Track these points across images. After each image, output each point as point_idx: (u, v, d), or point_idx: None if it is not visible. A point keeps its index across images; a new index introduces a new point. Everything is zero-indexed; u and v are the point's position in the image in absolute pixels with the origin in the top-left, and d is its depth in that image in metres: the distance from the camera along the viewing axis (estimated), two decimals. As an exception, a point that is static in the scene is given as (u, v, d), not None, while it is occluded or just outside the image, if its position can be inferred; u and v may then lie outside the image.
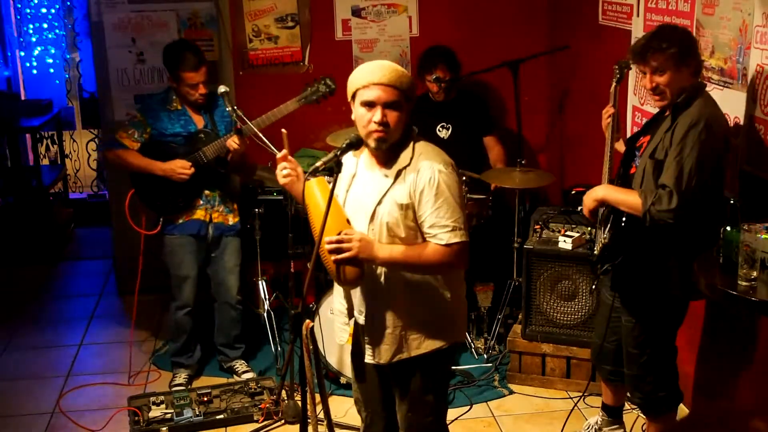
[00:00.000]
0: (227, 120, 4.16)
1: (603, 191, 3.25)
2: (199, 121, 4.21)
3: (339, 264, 2.66)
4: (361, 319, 2.88)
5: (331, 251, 2.64)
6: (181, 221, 4.23)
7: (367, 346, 2.87)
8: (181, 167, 4.09)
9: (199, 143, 4.14)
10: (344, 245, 2.63)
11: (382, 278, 2.80)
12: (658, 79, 3.09)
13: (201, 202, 4.23)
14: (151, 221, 4.24)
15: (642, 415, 3.60)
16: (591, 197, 3.29)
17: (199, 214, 4.24)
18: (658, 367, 3.37)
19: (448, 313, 2.89)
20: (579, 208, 3.74)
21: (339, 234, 2.65)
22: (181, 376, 4.39)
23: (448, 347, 2.90)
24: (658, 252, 3.15)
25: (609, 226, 3.25)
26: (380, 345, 2.84)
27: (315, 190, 2.77)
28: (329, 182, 2.73)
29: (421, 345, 2.84)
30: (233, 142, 4.01)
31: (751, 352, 3.41)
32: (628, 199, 3.12)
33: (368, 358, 2.88)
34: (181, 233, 4.23)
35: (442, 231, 2.69)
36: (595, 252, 3.33)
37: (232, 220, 4.32)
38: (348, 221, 2.75)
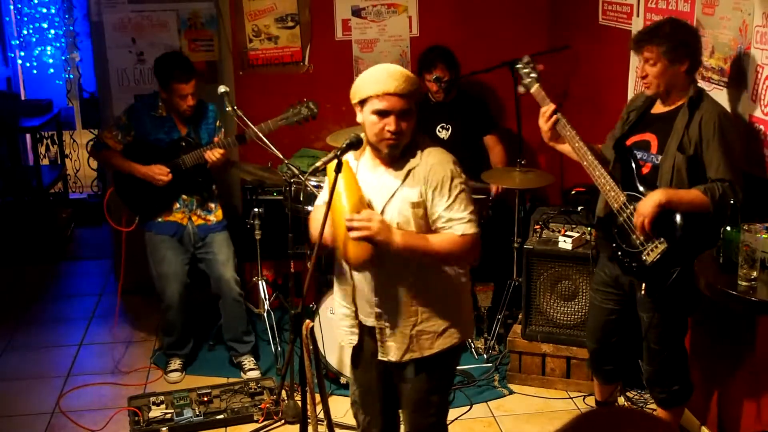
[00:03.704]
0: (211, 129, 4.35)
1: (664, 195, 3.07)
2: (183, 129, 4.33)
3: (356, 241, 2.66)
4: (369, 321, 2.89)
5: (351, 228, 2.64)
6: (159, 220, 4.36)
7: (379, 344, 2.87)
8: (159, 172, 4.23)
9: (180, 150, 4.26)
10: (364, 224, 2.64)
11: (393, 277, 2.80)
12: (649, 69, 3.19)
13: (178, 205, 4.36)
14: (130, 220, 4.41)
15: (657, 408, 3.58)
16: (652, 204, 3.07)
17: (177, 216, 4.37)
18: (676, 360, 3.40)
19: (458, 311, 2.91)
20: (579, 209, 3.73)
21: (360, 212, 2.66)
22: (176, 362, 4.50)
23: (458, 345, 2.92)
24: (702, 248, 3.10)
25: (652, 231, 3.11)
26: (391, 343, 2.85)
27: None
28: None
29: (434, 345, 2.85)
30: (212, 155, 4.16)
31: (746, 350, 3.41)
32: (694, 198, 3.06)
33: (380, 356, 2.89)
34: (159, 232, 4.36)
35: (457, 223, 2.73)
36: (646, 258, 3.16)
37: (214, 219, 4.44)
38: (369, 204, 2.76)
